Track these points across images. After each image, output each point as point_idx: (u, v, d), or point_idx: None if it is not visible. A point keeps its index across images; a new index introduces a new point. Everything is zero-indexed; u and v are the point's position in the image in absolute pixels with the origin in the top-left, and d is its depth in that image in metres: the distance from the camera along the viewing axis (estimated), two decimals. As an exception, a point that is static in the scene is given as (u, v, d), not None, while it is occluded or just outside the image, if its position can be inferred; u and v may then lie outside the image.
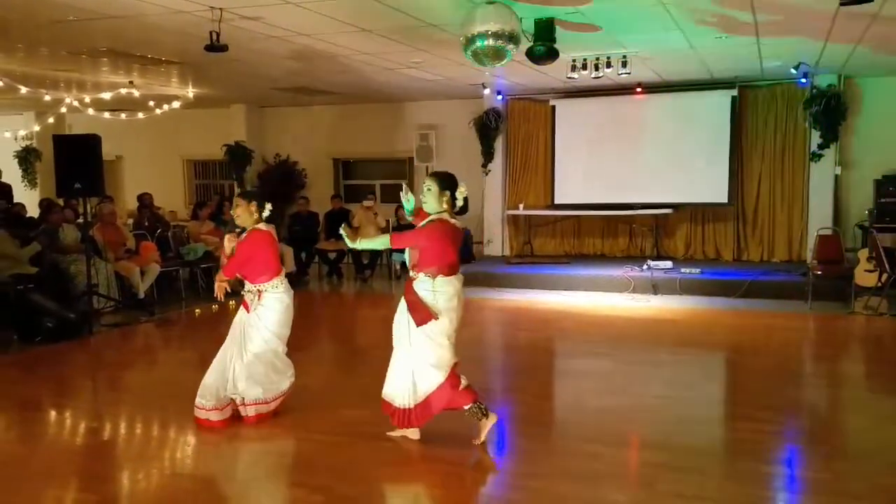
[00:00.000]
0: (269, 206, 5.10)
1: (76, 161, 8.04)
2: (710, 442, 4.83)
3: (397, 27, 7.34)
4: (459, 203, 4.48)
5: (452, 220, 4.47)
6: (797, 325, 8.43)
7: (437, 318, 4.38)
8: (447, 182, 4.48)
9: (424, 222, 4.51)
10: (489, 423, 4.56)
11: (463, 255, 11.54)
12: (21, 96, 11.01)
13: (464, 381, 4.55)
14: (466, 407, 4.52)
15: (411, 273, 4.51)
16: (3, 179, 13.17)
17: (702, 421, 5.22)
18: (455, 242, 4.50)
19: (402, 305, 4.54)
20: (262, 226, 5.09)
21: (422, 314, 4.39)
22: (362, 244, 4.77)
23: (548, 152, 12.51)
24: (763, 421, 5.06)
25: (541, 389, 6.25)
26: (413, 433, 4.65)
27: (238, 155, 14.05)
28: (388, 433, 4.71)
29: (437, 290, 4.41)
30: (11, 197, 12.00)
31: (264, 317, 4.98)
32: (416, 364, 4.47)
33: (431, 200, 4.47)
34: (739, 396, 5.99)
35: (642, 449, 4.72)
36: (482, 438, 4.56)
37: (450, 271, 4.46)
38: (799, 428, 5.14)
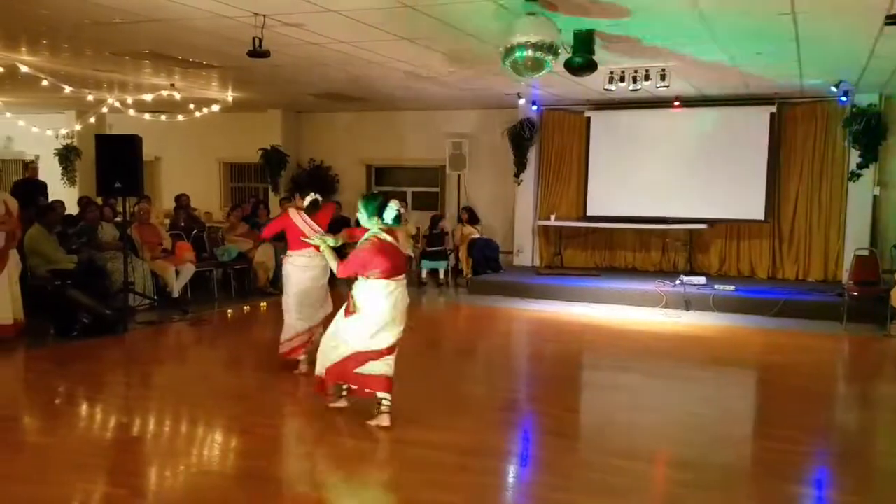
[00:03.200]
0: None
1: (117, 161, 8.20)
2: (738, 461, 4.78)
3: (436, 36, 7.39)
4: (388, 220, 5.14)
5: (383, 236, 5.11)
6: (831, 345, 8.30)
7: (356, 314, 5.12)
8: (371, 207, 5.16)
9: (360, 243, 5.25)
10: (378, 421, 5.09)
11: (489, 264, 11.68)
12: (64, 95, 11.24)
13: (368, 371, 5.12)
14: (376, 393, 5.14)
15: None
16: (42, 177, 13.45)
17: (731, 439, 5.16)
18: (389, 254, 5.11)
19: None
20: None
21: (348, 306, 5.22)
22: (328, 254, 5.43)
23: (581, 163, 12.47)
24: (793, 441, 4.99)
25: (568, 402, 6.23)
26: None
27: (273, 159, 14.21)
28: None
29: (368, 290, 5.09)
30: (46, 195, 12.22)
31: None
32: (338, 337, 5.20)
33: (364, 221, 5.23)
34: (770, 416, 5.91)
35: (670, 466, 4.67)
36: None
37: (383, 276, 5.09)
38: (829, 449, 5.06)
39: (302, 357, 6.44)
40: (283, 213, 6.87)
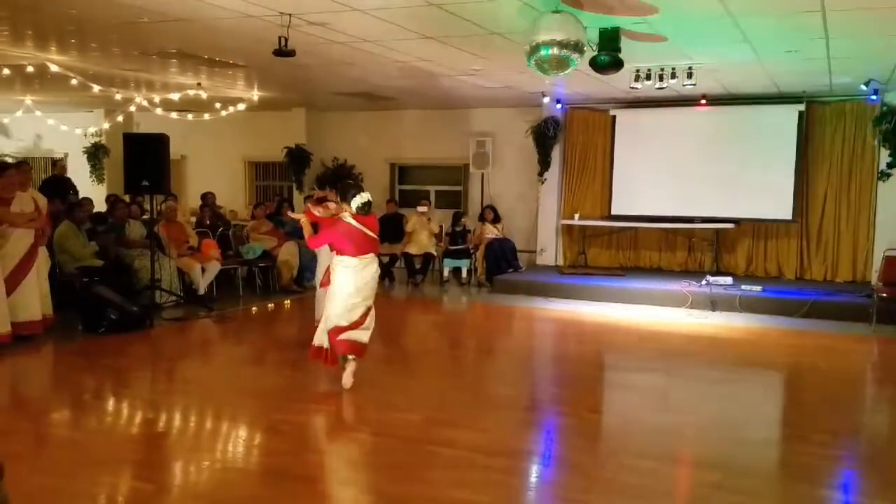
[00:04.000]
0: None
1: (145, 159, 8.30)
2: (765, 463, 4.73)
3: (461, 35, 7.37)
4: (355, 206, 5.86)
5: (348, 221, 5.88)
6: (860, 347, 8.18)
7: (329, 286, 6.00)
8: (342, 194, 6.00)
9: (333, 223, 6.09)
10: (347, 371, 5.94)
11: (507, 263, 11.63)
12: (93, 94, 11.37)
13: (345, 336, 5.85)
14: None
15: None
16: (70, 175, 13.63)
17: (758, 442, 5.11)
18: (352, 236, 5.89)
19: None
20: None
21: (324, 279, 6.26)
22: (305, 227, 6.30)
23: (606, 162, 12.39)
24: (821, 444, 4.93)
25: (593, 402, 6.19)
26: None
27: (297, 158, 14.28)
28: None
29: (336, 264, 5.95)
30: (75, 190, 12.43)
31: None
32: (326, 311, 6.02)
33: (342, 202, 6.05)
34: (797, 418, 5.84)
35: (696, 468, 4.63)
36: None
37: (349, 254, 5.90)
38: (858, 453, 4.99)
39: None
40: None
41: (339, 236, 5.91)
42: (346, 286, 5.86)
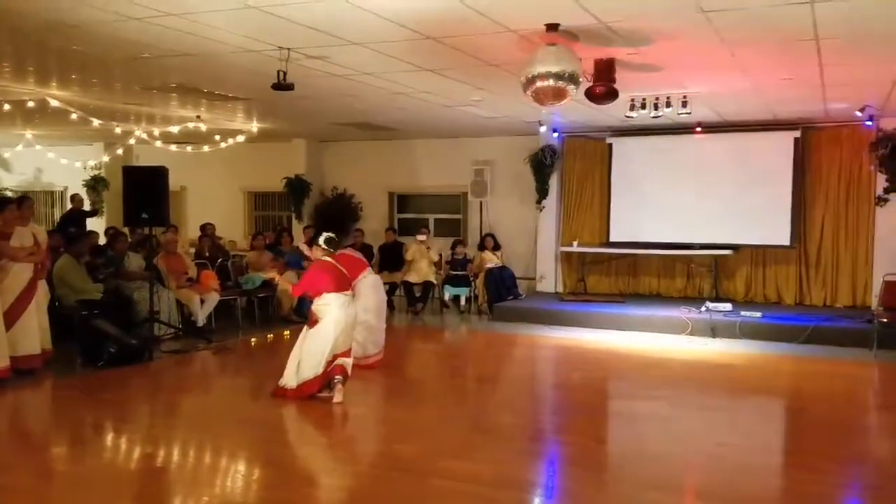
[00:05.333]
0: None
1: (144, 191, 8.34)
2: (770, 492, 4.70)
3: (459, 67, 7.45)
4: (321, 244, 6.57)
5: (325, 258, 6.56)
6: (861, 373, 8.16)
7: (319, 323, 6.36)
8: (311, 240, 7.03)
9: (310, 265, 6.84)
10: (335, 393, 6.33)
11: (507, 292, 11.63)
12: (92, 128, 11.44)
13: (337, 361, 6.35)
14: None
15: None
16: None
17: (762, 470, 5.07)
18: (331, 272, 6.47)
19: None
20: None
21: (311, 319, 6.48)
22: (281, 280, 7.59)
23: (603, 189, 12.45)
24: (825, 472, 4.90)
25: (595, 431, 6.15)
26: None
27: (297, 188, 14.35)
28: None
29: (320, 304, 6.40)
30: (84, 224, 12.54)
31: None
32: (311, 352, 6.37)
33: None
34: (801, 446, 5.81)
35: (700, 498, 4.60)
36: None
37: (331, 290, 6.39)
38: (862, 481, 4.96)
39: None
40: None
41: (320, 274, 6.46)
42: (339, 321, 6.32)
